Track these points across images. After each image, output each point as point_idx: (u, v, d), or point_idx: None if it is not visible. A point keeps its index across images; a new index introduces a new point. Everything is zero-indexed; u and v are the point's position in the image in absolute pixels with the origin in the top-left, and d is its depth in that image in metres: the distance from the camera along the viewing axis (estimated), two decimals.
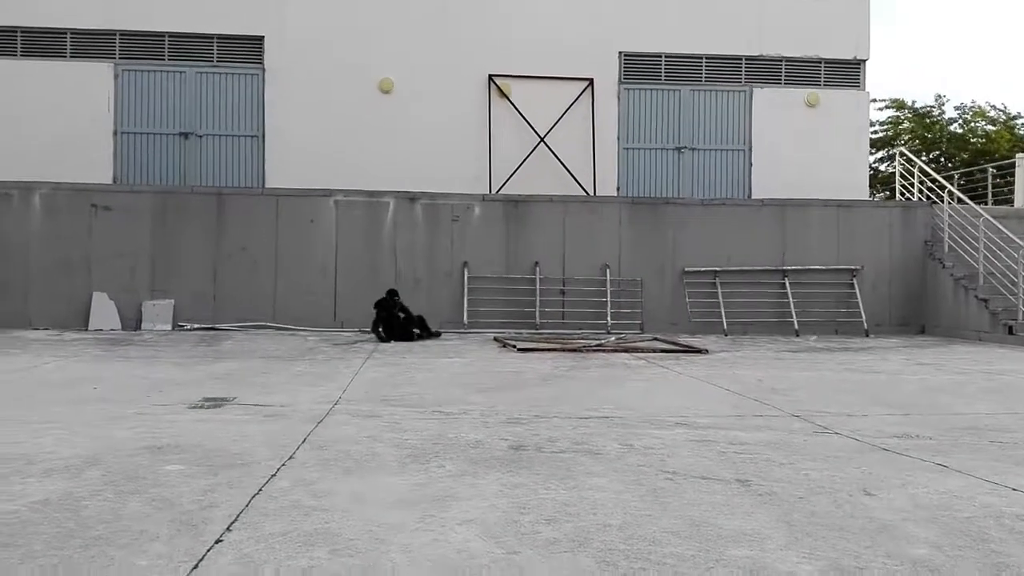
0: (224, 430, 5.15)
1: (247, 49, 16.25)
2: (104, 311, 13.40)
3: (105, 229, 13.65)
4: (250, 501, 3.54)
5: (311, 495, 3.66)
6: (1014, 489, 3.95)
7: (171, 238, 13.79)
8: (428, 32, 16.37)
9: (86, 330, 13.16)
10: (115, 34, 15.96)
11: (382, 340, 11.91)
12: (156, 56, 16.12)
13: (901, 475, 4.22)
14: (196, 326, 13.50)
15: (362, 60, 16.20)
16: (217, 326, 13.51)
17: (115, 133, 16.02)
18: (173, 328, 13.46)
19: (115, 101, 15.99)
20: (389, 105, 16.31)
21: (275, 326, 13.66)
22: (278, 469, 4.13)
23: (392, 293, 12.43)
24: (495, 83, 16.50)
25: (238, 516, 3.33)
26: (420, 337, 12.31)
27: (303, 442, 4.80)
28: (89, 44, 15.94)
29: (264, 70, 16.22)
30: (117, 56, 16.00)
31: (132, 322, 13.48)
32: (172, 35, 16.11)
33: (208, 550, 2.94)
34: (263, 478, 3.93)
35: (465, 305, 13.81)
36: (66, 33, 15.88)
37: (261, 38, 16.21)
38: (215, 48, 16.22)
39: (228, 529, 3.17)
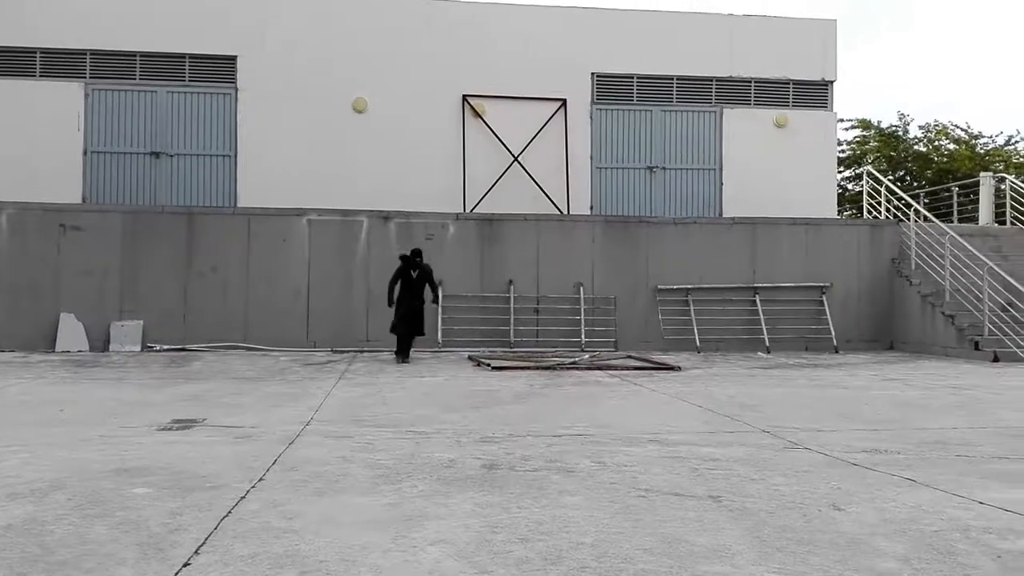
0: (193, 452, 5.08)
1: (219, 68, 16.19)
2: (71, 332, 13.19)
3: (73, 249, 13.47)
4: (219, 524, 3.50)
5: (281, 517, 3.62)
6: (980, 502, 4.00)
7: (141, 258, 13.64)
8: (402, 52, 16.44)
9: (53, 352, 12.93)
10: (86, 53, 15.84)
11: (389, 296, 11.84)
12: (127, 75, 16.01)
13: (870, 489, 4.27)
14: (166, 347, 13.33)
15: (336, 80, 16.21)
16: (187, 347, 13.35)
17: (84, 152, 15.85)
18: (142, 349, 13.28)
19: (85, 120, 15.83)
20: (363, 125, 16.31)
21: (246, 347, 13.53)
22: (248, 491, 4.08)
23: (416, 253, 12.16)
24: (469, 103, 16.58)
25: (207, 539, 3.29)
26: (414, 331, 12.07)
27: (273, 463, 4.75)
28: (59, 63, 15.80)
29: (237, 89, 16.17)
30: (87, 75, 15.86)
31: (100, 343, 13.29)
32: (144, 54, 16.02)
33: (176, 574, 2.90)
34: (232, 500, 3.89)
35: (439, 324, 13.77)
36: (36, 52, 15.72)
37: (234, 58, 16.16)
38: (187, 67, 16.15)
39: (196, 552, 3.13)
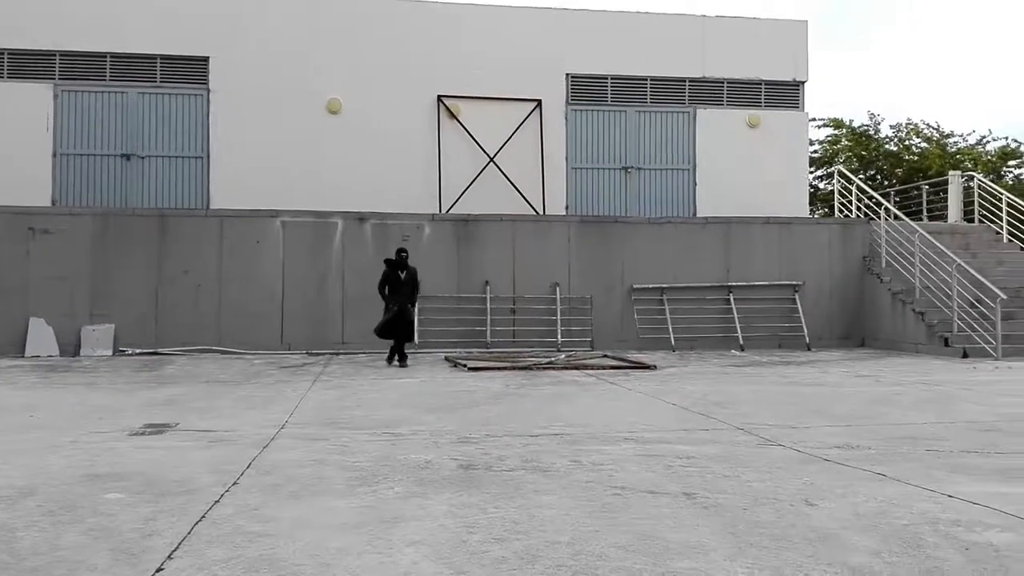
0: (166, 457, 5.03)
1: (191, 70, 16.04)
2: (41, 337, 13.00)
3: (43, 253, 13.27)
4: (192, 528, 3.47)
5: (256, 520, 3.60)
6: (949, 496, 4.07)
7: (112, 261, 13.47)
8: (377, 53, 16.38)
9: (23, 357, 12.74)
10: (55, 54, 15.61)
11: (384, 301, 11.52)
12: (97, 76, 15.80)
13: (842, 485, 4.32)
14: (138, 351, 13.17)
15: (310, 81, 16.12)
16: (160, 351, 13.21)
17: (54, 154, 15.62)
18: (114, 353, 13.11)
19: (54, 122, 15.61)
20: (338, 126, 16.24)
21: (220, 350, 13.41)
22: (222, 495, 4.05)
23: (401, 251, 11.82)
24: (444, 104, 16.56)
25: (180, 544, 3.26)
26: (403, 337, 11.68)
27: (248, 467, 4.72)
28: (28, 64, 15.55)
29: (209, 91, 16.02)
30: (57, 76, 15.64)
31: (71, 348, 13.10)
32: (114, 55, 15.82)
33: None
34: (206, 505, 3.86)
35: (416, 325, 13.74)
36: (3, 53, 15.47)
37: (206, 59, 16.02)
38: (158, 69, 15.97)
39: (169, 557, 3.10)
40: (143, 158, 15.96)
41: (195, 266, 13.64)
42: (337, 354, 13.47)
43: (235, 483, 4.32)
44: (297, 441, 5.60)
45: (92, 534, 3.39)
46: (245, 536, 3.37)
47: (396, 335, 11.63)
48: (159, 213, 14.09)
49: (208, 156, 16.02)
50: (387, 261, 11.79)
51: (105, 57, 15.81)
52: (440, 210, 15.95)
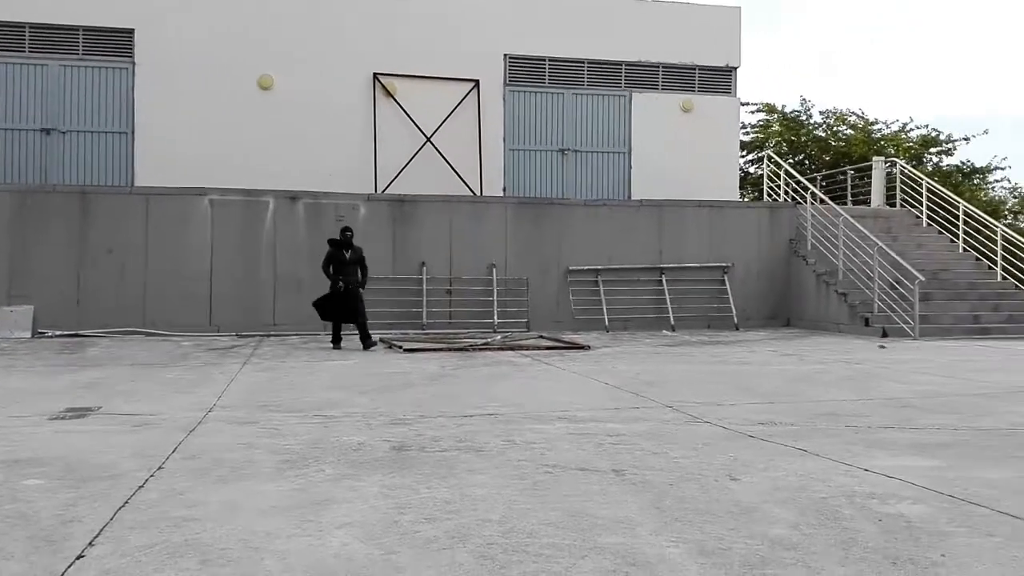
0: (89, 441, 4.89)
1: (116, 42, 15.43)
2: None
3: None
4: (115, 514, 3.39)
5: (181, 505, 3.54)
6: (866, 470, 4.25)
7: (30, 240, 12.93)
8: (310, 28, 16.03)
9: None
10: None
11: (330, 280, 11.14)
12: (15, 48, 15.07)
13: (764, 460, 4.47)
14: (59, 333, 12.71)
15: (240, 55, 15.68)
16: (82, 333, 12.76)
17: None
18: (33, 335, 12.62)
19: None
20: (269, 102, 15.86)
21: (146, 331, 13.04)
22: (146, 480, 3.96)
23: (345, 230, 11.42)
24: (380, 82, 16.33)
25: (102, 530, 3.18)
26: (350, 318, 11.27)
27: (174, 451, 4.62)
28: None
29: (134, 64, 15.45)
30: None
31: None
32: (34, 26, 15.11)
33: (68, 567, 2.80)
34: (130, 490, 3.77)
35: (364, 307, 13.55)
36: None
37: (131, 31, 15.43)
38: (80, 40, 15.32)
39: (91, 544, 3.02)
40: (64, 133, 15.33)
41: (119, 245, 13.20)
42: (268, 336, 13.24)
43: (160, 468, 4.22)
44: (225, 425, 5.50)
45: (9, 521, 3.28)
46: (170, 521, 3.30)
47: (337, 316, 11.32)
48: (81, 190, 13.57)
49: (133, 132, 15.49)
50: (331, 241, 11.46)
51: (24, 28, 15.10)
52: (376, 190, 15.77)
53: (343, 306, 11.24)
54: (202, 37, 15.55)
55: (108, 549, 2.97)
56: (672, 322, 14.80)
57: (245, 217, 13.75)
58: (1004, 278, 15.01)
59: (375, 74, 16.29)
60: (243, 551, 2.97)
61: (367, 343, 11.18)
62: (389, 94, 16.35)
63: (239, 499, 3.65)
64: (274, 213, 13.85)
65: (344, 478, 4.03)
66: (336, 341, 11.39)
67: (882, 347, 11.37)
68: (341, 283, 11.16)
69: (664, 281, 15.08)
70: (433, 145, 16.41)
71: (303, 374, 8.51)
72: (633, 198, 16.97)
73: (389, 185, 16.04)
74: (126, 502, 3.57)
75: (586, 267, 14.87)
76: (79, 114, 15.39)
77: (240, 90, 15.71)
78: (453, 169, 16.41)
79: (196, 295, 13.42)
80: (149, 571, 2.77)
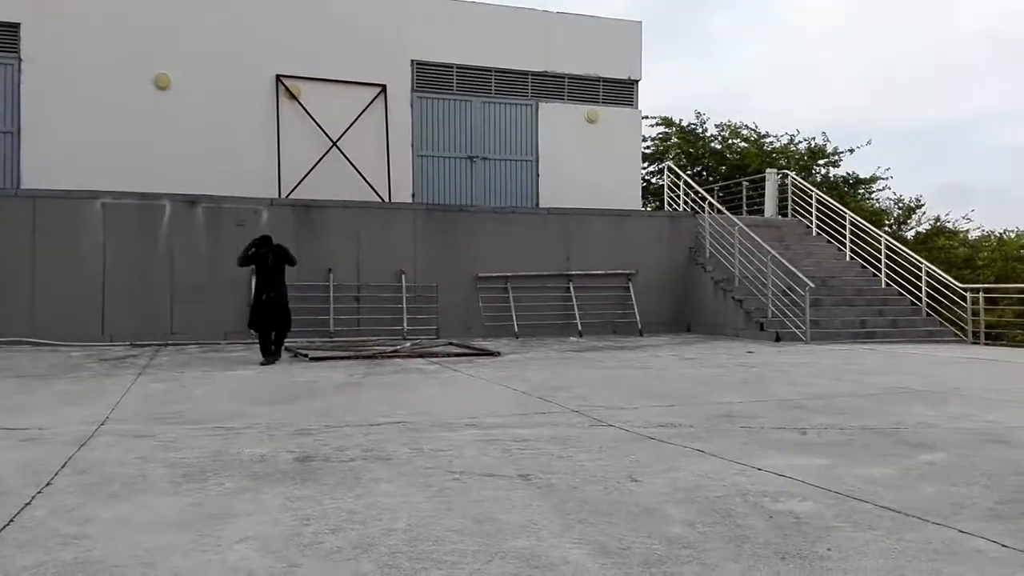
0: None
1: (0, 36, 14.62)
2: None
3: None
4: None
5: (71, 522, 3.39)
6: (759, 469, 4.44)
7: None
8: (210, 26, 15.57)
9: None
10: None
11: (255, 298, 10.47)
12: None
13: (664, 461, 4.61)
14: None
15: (135, 53, 15.09)
16: None
17: None
18: None
19: None
20: (166, 102, 15.31)
21: (33, 342, 12.36)
22: (33, 497, 3.77)
23: (264, 241, 10.57)
24: (284, 84, 16.00)
25: None
26: (277, 327, 10.52)
27: (63, 467, 4.42)
28: None
29: (20, 60, 14.65)
30: None
31: None
32: None
33: None
34: (16, 508, 3.58)
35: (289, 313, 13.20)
36: None
37: (17, 25, 14.62)
38: None
39: None
40: None
41: (4, 251, 12.48)
42: (166, 345, 12.77)
43: (48, 484, 4.03)
44: (118, 438, 5.29)
45: None
46: (59, 539, 3.16)
47: (265, 326, 10.48)
48: None
49: (19, 131, 14.68)
50: (250, 253, 10.55)
51: None
52: (280, 195, 15.44)
53: (266, 315, 10.47)
54: (95, 32, 14.90)
55: None
56: (579, 328, 15.05)
57: (141, 221, 13.23)
58: (888, 284, 15.92)
59: (278, 75, 15.96)
60: (137, 568, 2.87)
61: (268, 357, 10.36)
62: (293, 96, 16.05)
63: (133, 515, 3.52)
64: (171, 217, 13.38)
65: (245, 491, 3.94)
66: (265, 353, 10.47)
67: (750, 352, 11.82)
68: (264, 295, 10.44)
69: (571, 288, 15.33)
70: (339, 149, 16.20)
71: (202, 385, 8.24)
72: (541, 206, 17.18)
73: (293, 190, 15.73)
74: (11, 520, 3.39)
75: (495, 274, 14.97)
76: None
77: (136, 89, 15.12)
78: (361, 175, 16.23)
79: (88, 303, 12.81)
80: None
